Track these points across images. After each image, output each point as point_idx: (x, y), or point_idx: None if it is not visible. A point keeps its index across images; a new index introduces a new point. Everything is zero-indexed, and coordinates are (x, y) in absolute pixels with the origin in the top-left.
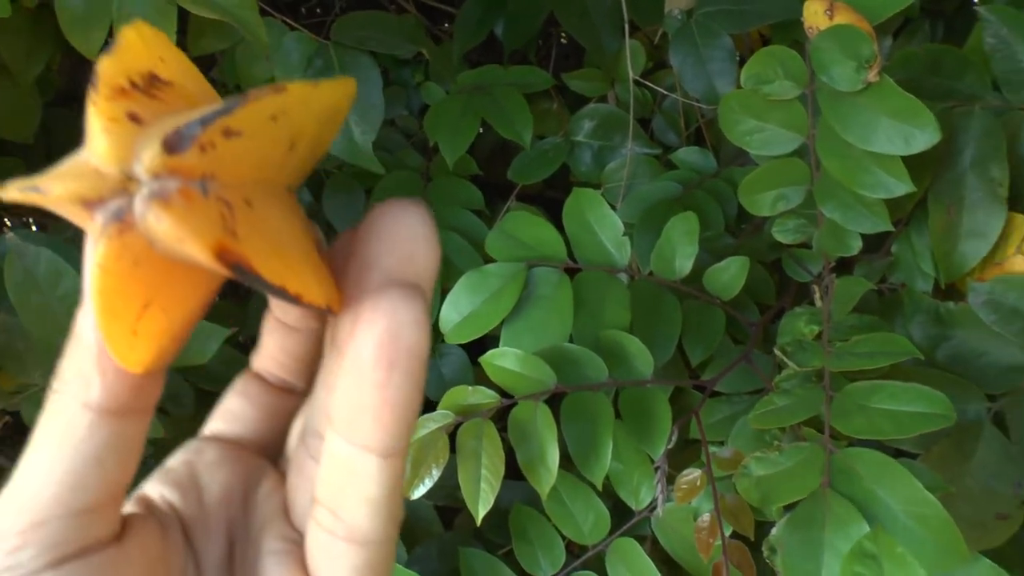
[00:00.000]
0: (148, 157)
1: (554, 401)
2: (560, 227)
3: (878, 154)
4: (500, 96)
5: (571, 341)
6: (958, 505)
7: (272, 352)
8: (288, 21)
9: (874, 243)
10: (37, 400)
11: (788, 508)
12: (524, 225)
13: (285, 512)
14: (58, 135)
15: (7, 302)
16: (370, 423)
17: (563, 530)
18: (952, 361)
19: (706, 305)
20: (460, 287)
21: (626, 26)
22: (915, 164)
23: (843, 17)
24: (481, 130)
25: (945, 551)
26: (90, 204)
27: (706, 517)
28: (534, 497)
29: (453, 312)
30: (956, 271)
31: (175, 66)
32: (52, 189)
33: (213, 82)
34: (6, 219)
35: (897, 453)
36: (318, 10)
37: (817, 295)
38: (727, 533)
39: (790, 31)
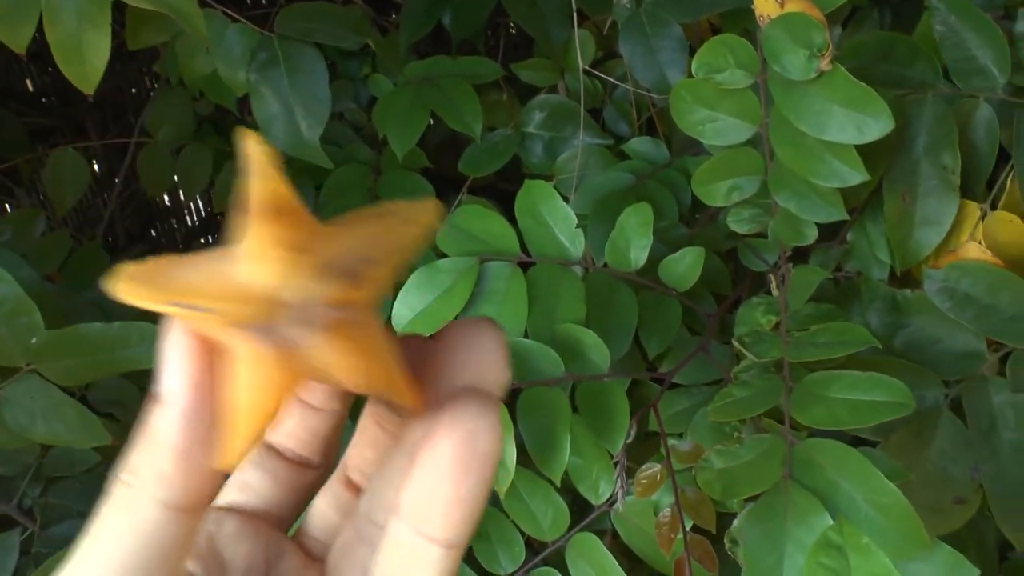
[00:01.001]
0: (308, 286)
1: (510, 397)
2: (513, 220)
3: (832, 143)
4: (449, 88)
5: (526, 336)
6: (917, 491)
7: (292, 429)
8: (229, 12)
9: (829, 231)
10: None
11: (749, 500)
12: (475, 218)
13: None
14: None
15: None
16: (440, 518)
17: (522, 526)
18: (909, 348)
19: (662, 296)
20: (412, 283)
21: (574, 15)
22: (869, 152)
23: (794, 5)
24: (431, 122)
25: (906, 539)
26: (248, 326)
27: (667, 512)
28: (492, 494)
29: (405, 309)
30: (911, 258)
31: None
32: (216, 309)
33: (156, 77)
34: None
35: (856, 441)
36: (263, 1)
37: (773, 284)
38: (688, 527)
39: (741, 19)
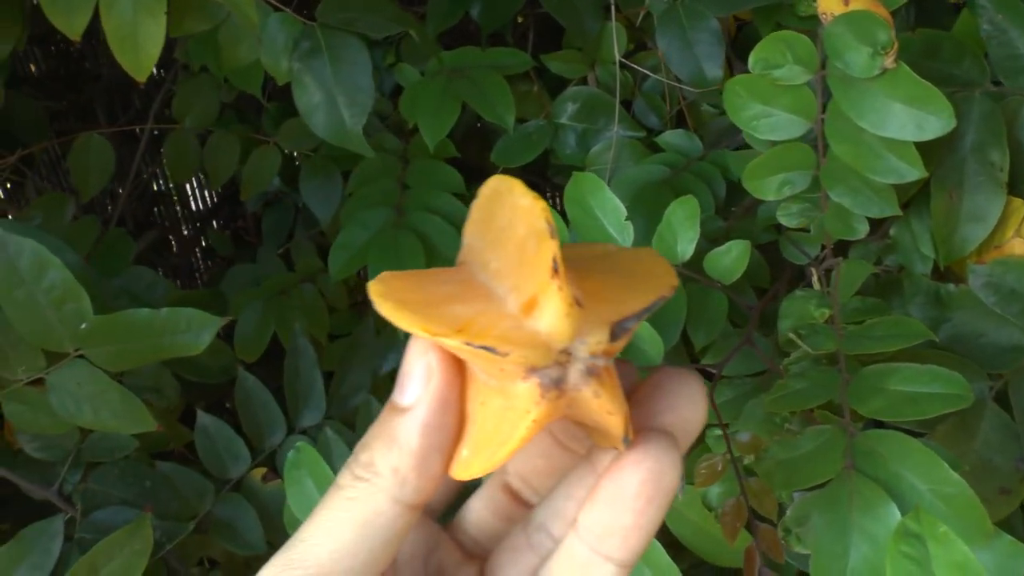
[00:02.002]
0: (595, 341)
1: None
2: None
3: (889, 139)
4: (480, 78)
5: None
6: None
7: None
8: (271, 2)
9: (871, 226)
10: (19, 397)
11: (800, 491)
12: None
13: None
14: (16, 119)
15: None
16: (619, 541)
17: None
18: (952, 342)
19: (707, 289)
20: None
21: (612, 7)
22: (920, 149)
23: (859, 3)
24: None
25: (971, 529)
26: (533, 370)
27: (731, 501)
28: None
29: None
30: (956, 254)
31: None
32: (510, 353)
33: (166, 65)
34: None
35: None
36: None
37: (815, 277)
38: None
39: (774, 14)
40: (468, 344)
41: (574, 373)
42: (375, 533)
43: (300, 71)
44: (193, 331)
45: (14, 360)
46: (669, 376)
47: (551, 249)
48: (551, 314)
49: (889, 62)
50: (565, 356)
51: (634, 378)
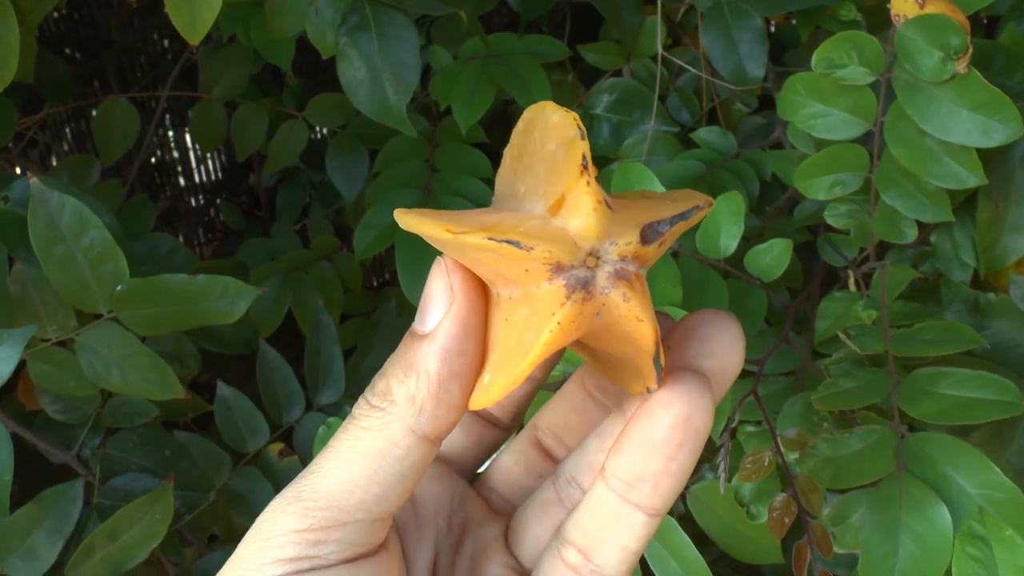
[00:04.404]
0: (624, 243)
1: None
2: None
3: (950, 144)
4: (517, 64)
5: None
6: None
7: None
8: None
9: None
10: (47, 356)
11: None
12: None
13: (504, 540)
14: (42, 79)
15: (23, 252)
16: (650, 488)
17: None
18: (989, 350)
19: (748, 285)
20: None
21: (659, 2)
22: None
23: (935, 7)
24: None
25: (1021, 534)
26: (559, 269)
27: (779, 497)
28: None
29: None
30: (997, 263)
31: None
32: (534, 247)
33: (174, 35)
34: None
35: None
36: None
37: (851, 280)
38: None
39: (814, 18)
40: (492, 239)
41: (602, 275)
42: (389, 465)
43: (346, 45)
44: (229, 299)
45: (45, 319)
46: (705, 319)
47: (580, 148)
48: (578, 211)
49: (961, 67)
50: (594, 260)
51: (670, 327)
